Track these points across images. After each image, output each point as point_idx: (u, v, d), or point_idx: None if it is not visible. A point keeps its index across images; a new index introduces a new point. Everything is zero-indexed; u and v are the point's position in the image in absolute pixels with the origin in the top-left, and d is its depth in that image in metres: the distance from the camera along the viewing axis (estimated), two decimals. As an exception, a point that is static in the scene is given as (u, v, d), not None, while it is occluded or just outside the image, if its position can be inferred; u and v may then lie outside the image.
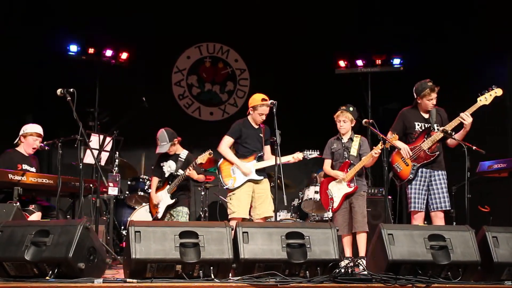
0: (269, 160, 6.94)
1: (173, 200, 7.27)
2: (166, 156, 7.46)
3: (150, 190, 7.76)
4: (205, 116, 11.98)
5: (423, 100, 6.65)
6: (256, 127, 7.04)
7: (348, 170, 7.02)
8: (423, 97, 6.63)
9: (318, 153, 7.06)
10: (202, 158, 7.05)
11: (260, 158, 6.97)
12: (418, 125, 6.72)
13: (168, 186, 7.32)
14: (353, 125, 7.16)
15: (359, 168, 6.96)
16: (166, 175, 7.41)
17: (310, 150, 7.02)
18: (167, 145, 7.32)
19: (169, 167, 7.41)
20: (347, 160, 7.06)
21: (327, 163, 7.24)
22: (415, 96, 6.72)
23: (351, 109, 7.10)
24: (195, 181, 7.58)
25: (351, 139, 7.14)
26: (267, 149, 7.13)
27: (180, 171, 7.29)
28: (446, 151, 6.76)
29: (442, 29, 10.43)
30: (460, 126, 6.52)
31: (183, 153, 7.44)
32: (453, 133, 6.52)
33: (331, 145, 7.23)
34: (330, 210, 7.16)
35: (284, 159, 6.78)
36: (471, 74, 9.64)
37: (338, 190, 7.06)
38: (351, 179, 7.00)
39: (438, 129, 6.61)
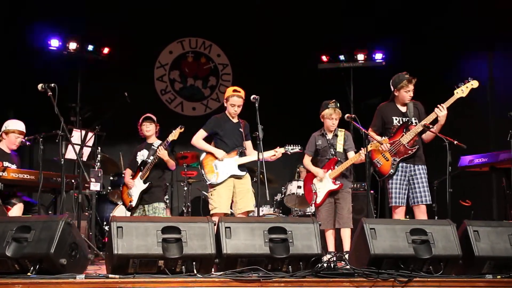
0: (252, 155, 6.91)
1: (147, 185, 7.23)
2: (142, 147, 7.48)
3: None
4: (187, 111, 11.94)
5: (400, 92, 6.68)
6: (235, 121, 7.01)
7: (336, 167, 7.02)
8: (401, 89, 6.66)
9: (300, 147, 7.03)
10: (174, 134, 7.03)
11: (242, 154, 6.94)
12: (396, 119, 6.72)
13: (140, 173, 7.30)
14: None
15: (346, 166, 6.97)
16: (139, 163, 7.40)
17: (292, 145, 6.98)
18: (152, 121, 7.42)
19: (142, 155, 7.42)
20: (334, 157, 7.07)
21: (308, 158, 7.22)
22: (392, 89, 6.75)
23: (338, 105, 7.09)
24: (169, 169, 7.51)
25: (335, 135, 7.12)
26: (249, 144, 7.11)
27: (152, 158, 7.26)
28: (427, 145, 6.79)
29: (424, 25, 10.48)
30: (437, 119, 6.55)
31: (156, 142, 7.41)
32: (431, 126, 6.53)
33: (315, 141, 7.20)
34: (313, 204, 7.18)
35: (267, 154, 6.73)
36: (452, 71, 9.70)
37: (323, 186, 7.05)
38: (337, 176, 7.02)
39: (416, 123, 6.62)
